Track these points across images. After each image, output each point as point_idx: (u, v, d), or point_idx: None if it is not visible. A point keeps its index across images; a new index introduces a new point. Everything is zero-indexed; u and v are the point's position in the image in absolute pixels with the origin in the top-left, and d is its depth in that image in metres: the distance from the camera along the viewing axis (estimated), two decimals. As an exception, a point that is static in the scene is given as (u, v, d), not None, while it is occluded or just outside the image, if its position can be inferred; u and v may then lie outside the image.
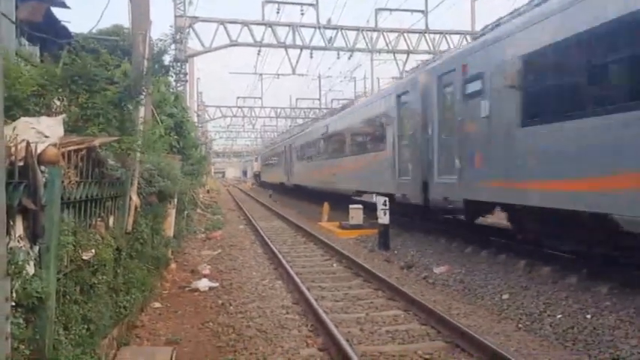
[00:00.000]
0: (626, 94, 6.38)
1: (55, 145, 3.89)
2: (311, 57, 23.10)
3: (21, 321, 3.23)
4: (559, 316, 6.64)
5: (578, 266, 8.17)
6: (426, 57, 22.21)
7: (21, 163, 3.39)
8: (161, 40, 7.17)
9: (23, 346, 3.20)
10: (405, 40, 22.96)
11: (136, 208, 6.34)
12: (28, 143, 3.45)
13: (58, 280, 3.96)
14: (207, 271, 10.00)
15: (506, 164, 8.71)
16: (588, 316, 6.44)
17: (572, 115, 7.15)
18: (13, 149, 3.36)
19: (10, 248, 3.15)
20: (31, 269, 3.39)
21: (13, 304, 3.14)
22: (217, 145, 74.70)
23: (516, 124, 8.35)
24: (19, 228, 3.35)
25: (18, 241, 3.30)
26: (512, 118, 8.46)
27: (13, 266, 3.12)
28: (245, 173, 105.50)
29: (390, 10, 23.02)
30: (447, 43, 22.82)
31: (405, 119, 13.47)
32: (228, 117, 47.29)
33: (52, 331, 3.72)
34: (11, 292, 3.04)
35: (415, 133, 12.44)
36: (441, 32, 23.12)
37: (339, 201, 20.75)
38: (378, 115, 15.71)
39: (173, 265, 9.98)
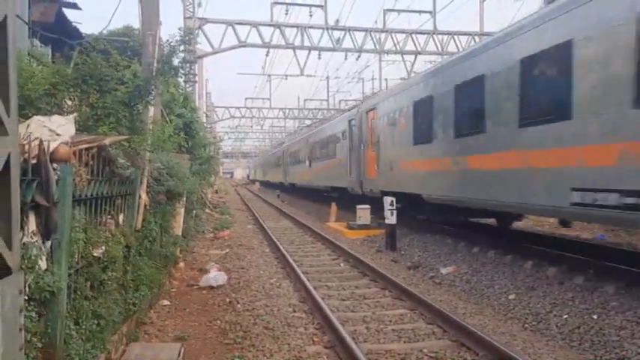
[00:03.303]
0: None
1: (66, 143, 3.98)
2: (319, 58, 23.22)
3: (34, 314, 3.32)
4: (565, 316, 6.65)
5: (585, 267, 8.16)
6: (434, 58, 22.27)
7: (34, 161, 3.47)
8: (170, 42, 7.27)
9: (36, 339, 3.28)
10: (413, 41, 22.96)
11: (145, 206, 6.43)
12: (40, 141, 3.53)
13: (69, 275, 4.04)
14: (215, 270, 10.07)
15: None
16: (595, 317, 6.44)
17: None
18: (26, 147, 3.44)
19: (23, 243, 3.23)
20: (43, 264, 3.47)
21: (26, 297, 3.21)
22: (226, 145, 74.99)
23: None
24: (31, 224, 3.43)
25: (31, 237, 3.38)
26: None
27: (26, 261, 3.20)
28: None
29: (398, 11, 23.05)
30: (455, 44, 22.80)
31: None
32: (237, 118, 47.44)
33: (64, 326, 3.81)
34: (24, 286, 3.11)
35: None
36: (449, 33, 23.09)
37: (347, 201, 20.62)
38: None
39: (181, 264, 10.07)
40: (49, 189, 3.49)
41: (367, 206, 16.44)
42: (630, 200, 6.31)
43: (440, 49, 22.71)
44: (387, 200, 12.92)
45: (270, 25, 21.55)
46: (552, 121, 7.73)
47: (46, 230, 3.55)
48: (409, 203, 13.51)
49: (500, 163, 9.19)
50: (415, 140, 13.08)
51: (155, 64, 7.14)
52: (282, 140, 53.75)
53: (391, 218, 12.70)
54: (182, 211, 10.18)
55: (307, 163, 29.13)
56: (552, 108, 7.80)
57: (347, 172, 19.67)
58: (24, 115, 4.60)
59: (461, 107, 10.74)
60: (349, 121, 19.97)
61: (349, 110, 24.19)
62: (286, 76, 35.93)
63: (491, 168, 9.53)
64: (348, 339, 5.51)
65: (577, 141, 7.26)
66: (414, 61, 23.59)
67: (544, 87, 8.15)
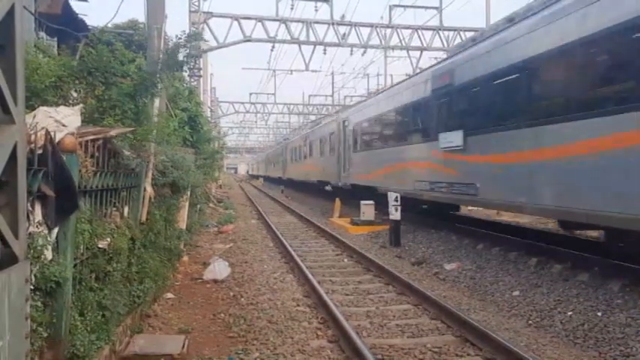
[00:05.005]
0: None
1: (72, 134, 3.97)
2: (324, 53, 23.11)
3: (39, 304, 3.33)
4: (570, 313, 6.64)
5: (590, 264, 8.12)
6: (440, 54, 22.16)
7: (40, 151, 3.47)
8: (179, 37, 7.26)
9: (41, 329, 3.29)
10: (419, 36, 22.87)
11: (150, 199, 6.43)
12: (47, 131, 3.52)
13: (75, 266, 4.05)
14: (218, 262, 10.08)
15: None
16: (599, 314, 6.42)
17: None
18: (32, 137, 3.44)
19: (30, 233, 3.23)
20: (49, 254, 3.47)
21: (32, 287, 3.22)
22: (230, 140, 75.10)
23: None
24: (37, 214, 3.43)
25: (37, 227, 3.38)
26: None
27: (32, 250, 3.20)
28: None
29: (405, 6, 22.91)
30: (462, 39, 22.67)
31: None
32: (241, 113, 47.37)
33: (69, 316, 3.82)
34: (30, 276, 3.12)
35: None
36: (455, 29, 22.97)
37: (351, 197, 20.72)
38: None
39: (185, 258, 10.09)
40: (63, 174, 3.50)
41: (371, 202, 16.43)
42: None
43: (446, 45, 22.61)
44: (392, 196, 12.91)
45: (275, 20, 21.48)
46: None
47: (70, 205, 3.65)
48: (291, 182, 38.82)
49: (301, 169, 33.67)
50: (291, 160, 37.97)
51: (160, 57, 7.15)
52: (266, 148, 72.89)
53: (395, 214, 12.68)
54: (186, 204, 10.19)
55: (272, 165, 53.91)
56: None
57: (282, 170, 43.56)
58: (30, 107, 4.59)
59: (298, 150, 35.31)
60: (282, 148, 45.03)
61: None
62: (291, 71, 35.86)
63: (305, 170, 31.56)
64: (352, 333, 5.52)
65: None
66: (420, 57, 23.56)
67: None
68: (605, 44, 6.84)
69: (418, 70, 18.09)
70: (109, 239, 4.76)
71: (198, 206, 14.08)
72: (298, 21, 21.87)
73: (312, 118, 48.64)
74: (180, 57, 7.34)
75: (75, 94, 5.98)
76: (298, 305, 7.29)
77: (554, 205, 7.87)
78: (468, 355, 5.39)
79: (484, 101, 9.99)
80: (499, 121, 9.34)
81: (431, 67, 13.60)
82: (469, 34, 22.76)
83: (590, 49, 7.12)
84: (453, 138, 10.83)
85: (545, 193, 8.06)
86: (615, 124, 6.54)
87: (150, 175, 6.46)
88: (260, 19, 21.37)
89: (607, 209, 6.78)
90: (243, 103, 45.81)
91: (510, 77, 8.96)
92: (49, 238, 3.48)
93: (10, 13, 2.56)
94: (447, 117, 11.55)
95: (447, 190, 11.35)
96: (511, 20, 9.65)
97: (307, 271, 8.93)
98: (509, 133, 8.98)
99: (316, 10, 22.05)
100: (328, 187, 25.42)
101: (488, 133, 9.68)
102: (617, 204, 6.59)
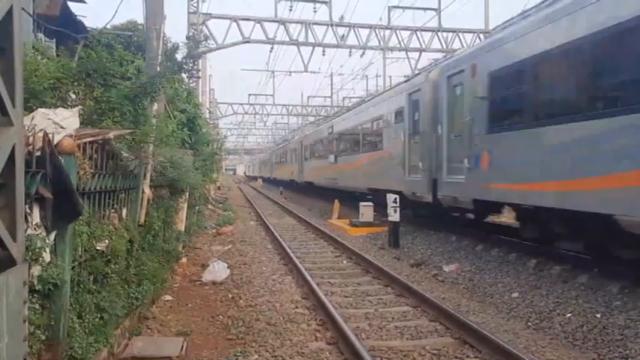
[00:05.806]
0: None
1: (71, 136, 3.96)
2: (323, 54, 23.09)
3: (37, 307, 3.32)
4: (569, 315, 6.63)
5: (589, 266, 8.13)
6: (438, 55, 22.15)
7: (38, 153, 3.46)
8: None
9: (39, 332, 3.28)
10: (418, 38, 22.86)
11: (148, 200, 6.42)
12: (45, 133, 3.51)
13: (73, 268, 4.04)
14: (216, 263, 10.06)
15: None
16: (598, 316, 6.42)
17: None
18: (30, 139, 3.43)
19: (28, 235, 3.22)
20: (47, 256, 3.46)
21: (30, 290, 3.21)
22: (229, 141, 75.12)
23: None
24: (35, 216, 3.42)
25: (35, 229, 3.37)
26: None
27: (30, 253, 3.19)
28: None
29: (403, 7, 22.92)
30: (460, 41, 22.70)
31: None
32: (240, 114, 47.34)
33: (67, 319, 3.81)
34: (28, 278, 3.11)
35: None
36: (454, 30, 22.97)
37: (350, 199, 20.80)
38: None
39: (184, 259, 10.06)
40: (61, 176, 3.49)
41: (370, 204, 16.44)
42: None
43: (444, 46, 22.63)
44: (391, 197, 12.91)
45: (274, 21, 21.46)
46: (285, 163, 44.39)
47: (72, 212, 3.64)
48: (277, 180, 50.74)
49: (282, 171, 45.73)
50: (276, 164, 50.46)
51: (159, 59, 7.15)
52: (264, 149, 78.56)
53: (394, 215, 12.68)
54: (185, 206, 10.18)
55: (264, 167, 64.81)
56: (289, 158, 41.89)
57: (270, 172, 54.92)
58: (28, 108, 4.58)
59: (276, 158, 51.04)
60: (270, 154, 57.53)
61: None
62: (290, 72, 35.86)
63: (285, 172, 43.15)
64: (351, 335, 5.50)
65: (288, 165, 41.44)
66: (419, 59, 23.54)
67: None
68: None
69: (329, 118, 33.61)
70: (107, 241, 4.75)
71: (197, 208, 14.06)
72: (297, 22, 21.86)
73: (311, 119, 48.67)
74: (179, 58, 7.34)
75: (73, 96, 5.97)
76: (297, 307, 7.27)
77: (365, 185, 18.49)
78: (467, 357, 5.38)
79: (342, 142, 22.91)
80: (344, 151, 22.40)
81: (331, 118, 30.77)
82: (468, 36, 22.84)
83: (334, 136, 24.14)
84: (332, 157, 23.40)
85: (362, 180, 18.82)
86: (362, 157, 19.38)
87: (148, 176, 6.45)
88: (259, 21, 21.35)
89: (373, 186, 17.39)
90: (242, 104, 45.78)
91: (347, 135, 22.21)
92: (47, 241, 3.47)
93: (9, 14, 2.56)
94: (331, 147, 24.57)
95: (331, 181, 23.82)
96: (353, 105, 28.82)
97: (306, 273, 8.92)
98: (348, 156, 21.37)
99: (315, 12, 22.04)
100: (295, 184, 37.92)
101: (344, 155, 22.14)
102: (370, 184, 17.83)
